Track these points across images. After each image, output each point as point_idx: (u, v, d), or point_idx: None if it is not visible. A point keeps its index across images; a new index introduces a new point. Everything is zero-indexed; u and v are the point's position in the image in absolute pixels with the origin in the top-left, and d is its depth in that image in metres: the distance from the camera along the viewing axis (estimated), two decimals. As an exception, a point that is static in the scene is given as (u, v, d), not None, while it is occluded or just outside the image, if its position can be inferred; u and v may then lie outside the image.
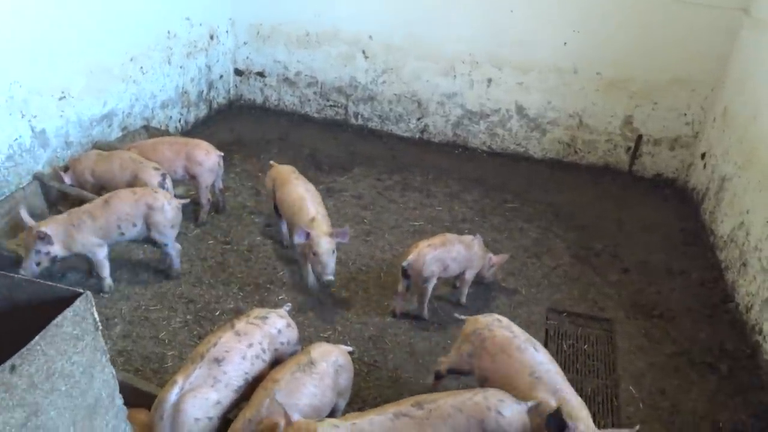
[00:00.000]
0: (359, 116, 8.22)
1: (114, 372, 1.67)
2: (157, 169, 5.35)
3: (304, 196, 5.11)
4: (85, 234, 4.60)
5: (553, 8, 6.88)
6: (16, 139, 5.38)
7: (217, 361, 3.26)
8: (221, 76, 8.34)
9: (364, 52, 7.79)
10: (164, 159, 5.66)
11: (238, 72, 8.56)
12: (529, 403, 3.17)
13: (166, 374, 4.15)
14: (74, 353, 1.52)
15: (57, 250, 4.52)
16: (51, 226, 4.49)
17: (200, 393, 3.13)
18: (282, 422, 2.90)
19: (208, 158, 5.70)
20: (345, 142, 7.87)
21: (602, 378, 4.50)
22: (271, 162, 5.74)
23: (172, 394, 3.09)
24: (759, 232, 5.02)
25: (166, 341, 4.51)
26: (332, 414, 3.51)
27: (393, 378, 4.33)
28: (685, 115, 6.96)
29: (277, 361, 3.51)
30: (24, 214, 4.43)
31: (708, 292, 5.40)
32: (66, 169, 5.52)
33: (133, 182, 5.29)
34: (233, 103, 8.73)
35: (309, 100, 8.37)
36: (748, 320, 4.89)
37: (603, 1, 6.71)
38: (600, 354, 4.72)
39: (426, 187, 6.85)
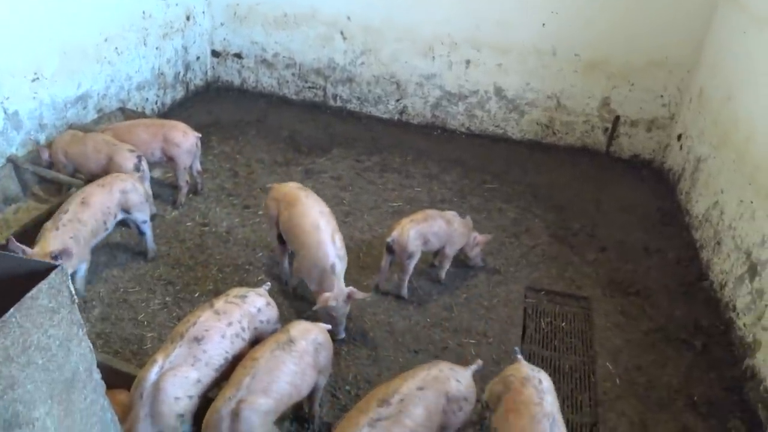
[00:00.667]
0: (338, 98, 8.17)
1: (91, 346, 1.66)
2: (132, 151, 5.29)
3: (318, 225, 4.38)
4: (82, 246, 4.35)
5: (531, -11, 6.88)
6: (-12, 120, 5.28)
7: (197, 340, 3.25)
8: (198, 58, 8.23)
9: (342, 33, 7.73)
10: (141, 141, 5.59)
11: (215, 53, 8.46)
12: (473, 366, 3.41)
13: (145, 356, 4.13)
14: (50, 326, 1.50)
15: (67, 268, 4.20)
16: (56, 243, 4.13)
17: (180, 372, 3.12)
18: None
19: (185, 139, 5.65)
20: (324, 123, 7.83)
21: (580, 355, 4.56)
22: (269, 185, 5.04)
23: (152, 373, 3.08)
24: (733, 211, 5.10)
25: (145, 323, 4.49)
26: (313, 392, 3.53)
27: (372, 356, 4.35)
28: (662, 96, 7.01)
29: (257, 340, 3.51)
30: (15, 244, 3.95)
31: (683, 271, 5.48)
32: (50, 146, 5.51)
33: (108, 165, 5.22)
34: (210, 85, 8.63)
35: (287, 82, 8.30)
36: (722, 297, 4.99)
37: (581, -18, 6.73)
38: (577, 331, 4.78)
39: (405, 168, 6.86)
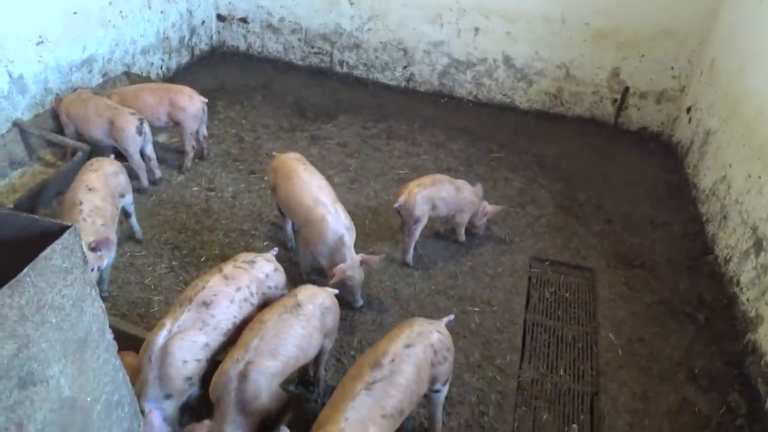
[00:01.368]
0: (344, 64, 8.10)
1: (103, 307, 1.67)
2: (133, 114, 5.26)
3: (319, 199, 4.29)
4: (111, 232, 4.16)
5: (543, -45, 6.76)
6: (-7, 84, 5.25)
7: (206, 304, 3.27)
8: (203, 22, 8.14)
9: (350, -2, 7.64)
10: (146, 106, 5.56)
11: (220, 18, 8.36)
12: (445, 319, 3.45)
13: (152, 319, 4.18)
14: (64, 286, 1.51)
15: (105, 258, 3.96)
16: (93, 235, 3.91)
17: (188, 336, 3.15)
18: None
19: (191, 104, 5.62)
20: (330, 90, 7.77)
21: (583, 325, 4.59)
22: (274, 152, 5.01)
23: (161, 337, 3.11)
24: (740, 185, 5.07)
25: (152, 287, 4.52)
26: (319, 355, 3.57)
27: (377, 322, 4.39)
28: (672, 68, 6.92)
29: (264, 305, 3.53)
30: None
31: (689, 244, 5.48)
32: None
33: (110, 129, 5.22)
34: (216, 50, 8.55)
35: (293, 47, 8.22)
36: (726, 272, 4.99)
37: (594, -52, 6.61)
38: (581, 302, 4.80)
39: (411, 136, 6.82)
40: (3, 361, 1.38)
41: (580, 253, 5.26)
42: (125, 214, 4.80)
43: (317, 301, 3.44)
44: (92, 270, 3.78)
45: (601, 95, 7.30)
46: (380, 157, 6.38)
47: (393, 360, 3.01)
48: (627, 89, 7.15)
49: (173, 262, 4.74)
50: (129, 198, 4.68)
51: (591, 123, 7.41)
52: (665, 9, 6.61)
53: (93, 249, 3.77)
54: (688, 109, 6.72)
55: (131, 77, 6.62)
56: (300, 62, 8.28)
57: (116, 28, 6.58)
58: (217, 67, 8.13)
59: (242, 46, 8.48)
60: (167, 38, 7.47)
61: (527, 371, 4.17)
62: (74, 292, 1.54)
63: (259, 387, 3.05)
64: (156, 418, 3.00)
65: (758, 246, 4.54)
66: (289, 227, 4.92)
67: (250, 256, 3.65)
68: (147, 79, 6.69)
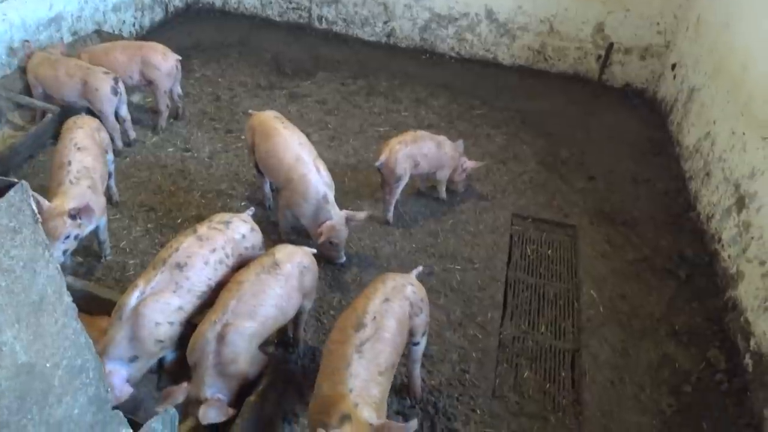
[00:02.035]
0: (323, 19, 7.88)
1: (59, 268, 1.58)
2: (107, 73, 5.09)
3: (300, 156, 4.21)
4: (99, 195, 3.96)
5: None
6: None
7: (179, 266, 3.19)
8: (177, -24, 7.87)
9: (328, -50, 7.39)
10: (118, 64, 5.39)
11: (194, -29, 8.08)
12: (414, 271, 3.47)
13: (127, 283, 4.07)
14: (12, 247, 1.42)
15: (85, 226, 3.74)
16: (75, 200, 3.67)
17: (162, 298, 3.08)
18: None
19: (165, 62, 5.45)
20: (308, 45, 7.57)
21: (564, 282, 4.57)
22: (251, 111, 4.81)
23: (133, 298, 3.04)
24: (724, 142, 5.02)
25: (127, 250, 4.42)
26: (298, 316, 3.51)
27: (357, 281, 4.34)
28: (658, 23, 6.80)
29: (241, 267, 3.44)
30: (37, 198, 3.43)
31: (671, 201, 5.46)
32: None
33: (83, 89, 5.05)
34: (191, 7, 8.28)
35: (270, 3, 7.98)
36: (708, 229, 4.97)
37: None
38: (563, 259, 4.78)
39: (392, 93, 6.69)
40: (-51, 327, 1.30)
41: (563, 210, 5.22)
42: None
43: (295, 261, 3.37)
44: (73, 238, 3.63)
45: (585, 51, 7.18)
46: (360, 114, 6.25)
47: (374, 318, 2.96)
48: (611, 45, 7.03)
49: (148, 225, 4.64)
50: (111, 156, 4.52)
51: (575, 79, 7.31)
52: (651, -39, 6.47)
53: (73, 217, 3.56)
54: (673, 66, 6.63)
55: (102, 36, 6.37)
56: (278, 18, 8.05)
57: (85, -17, 6.32)
58: (192, 24, 7.88)
59: (218, 2, 8.23)
60: (139, -7, 7.20)
61: (508, 329, 4.15)
62: (24, 253, 1.45)
63: (238, 349, 3.00)
64: (117, 378, 2.94)
65: (740, 203, 4.51)
66: (267, 187, 4.82)
67: (225, 216, 3.56)
68: (119, 38, 6.44)
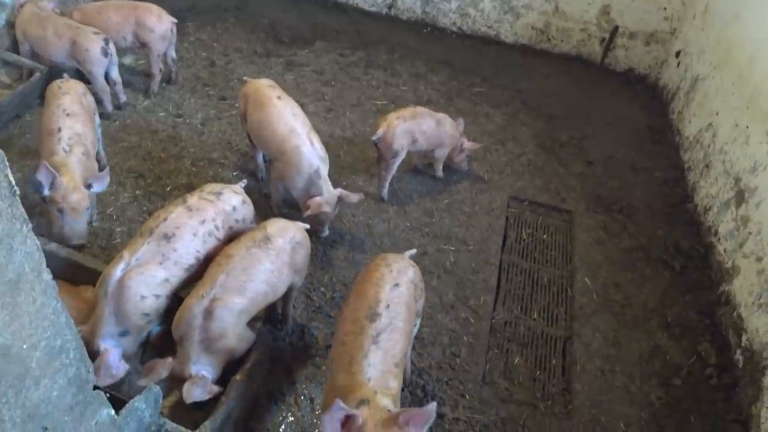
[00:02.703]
0: (323, -13, 7.67)
1: (39, 244, 1.48)
2: (97, 33, 4.93)
3: (294, 128, 4.10)
4: (94, 162, 3.94)
5: None
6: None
7: (167, 237, 3.08)
8: (174, -67, 7.59)
9: None
10: (111, 25, 5.21)
11: (192, -71, 7.81)
12: (408, 253, 3.36)
13: (113, 251, 3.99)
14: (-13, 222, 1.32)
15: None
16: (80, 170, 3.65)
17: (147, 270, 2.98)
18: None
19: (160, 24, 5.28)
20: (307, 13, 7.38)
21: (559, 268, 4.52)
22: (245, 78, 4.68)
23: (118, 270, 2.94)
24: (726, 135, 4.95)
25: (114, 217, 4.31)
26: (288, 292, 3.43)
27: (349, 259, 4.26)
28: (665, 9, 6.66)
29: (231, 240, 3.34)
30: (53, 172, 3.46)
31: (669, 191, 5.39)
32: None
33: (72, 49, 4.89)
34: (187, -35, 8.02)
35: (270, -34, 7.75)
36: (705, 221, 4.92)
37: None
38: (558, 244, 4.72)
39: (391, 66, 6.54)
40: None
41: (560, 195, 5.15)
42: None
43: (288, 236, 3.27)
44: (87, 210, 3.65)
45: (589, 33, 7.04)
46: (358, 86, 6.11)
47: (388, 306, 2.85)
48: (616, 28, 6.90)
49: (137, 192, 4.51)
50: (97, 119, 4.40)
51: (577, 61, 7.18)
52: (662, -56, 6.31)
53: (89, 186, 3.58)
54: (678, 53, 6.51)
55: (94, -7, 6.15)
56: (277, -17, 7.82)
57: (76, -65, 6.06)
58: (188, -15, 7.64)
59: (215, -37, 7.97)
60: (134, -51, 6.94)
61: (501, 313, 4.10)
62: (0, 228, 1.35)
63: (225, 325, 2.92)
64: (113, 356, 2.85)
65: (740, 197, 4.45)
66: (259, 157, 4.70)
67: (216, 187, 3.45)
68: (112, -5, 6.21)
